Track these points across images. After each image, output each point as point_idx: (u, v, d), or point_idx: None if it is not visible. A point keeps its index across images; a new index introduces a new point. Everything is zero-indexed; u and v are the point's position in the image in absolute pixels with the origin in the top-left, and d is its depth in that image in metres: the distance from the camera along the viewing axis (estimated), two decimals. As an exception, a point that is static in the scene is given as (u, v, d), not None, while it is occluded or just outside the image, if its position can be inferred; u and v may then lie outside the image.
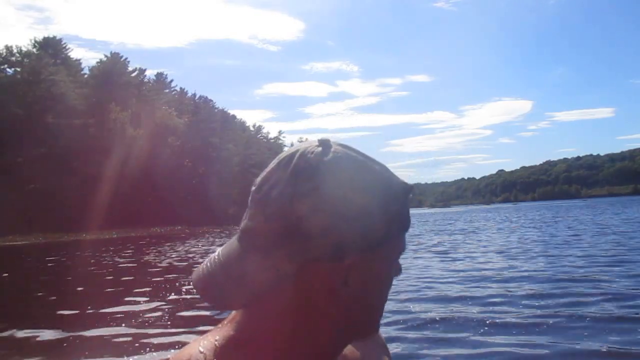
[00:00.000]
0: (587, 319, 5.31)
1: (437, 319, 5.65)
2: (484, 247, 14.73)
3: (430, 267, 10.42)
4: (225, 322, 0.69)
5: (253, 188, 0.65)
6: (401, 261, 0.66)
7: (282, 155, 0.65)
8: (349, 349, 0.74)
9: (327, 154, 0.63)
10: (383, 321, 0.76)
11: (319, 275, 0.61)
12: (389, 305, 6.21)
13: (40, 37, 64.85)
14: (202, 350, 0.65)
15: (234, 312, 0.69)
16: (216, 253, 0.67)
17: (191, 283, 0.66)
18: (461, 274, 9.14)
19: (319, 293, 0.62)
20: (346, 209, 0.60)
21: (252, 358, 0.64)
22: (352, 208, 0.60)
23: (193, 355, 0.64)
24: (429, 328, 5.32)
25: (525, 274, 8.61)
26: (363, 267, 0.62)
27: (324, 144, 0.64)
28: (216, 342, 0.66)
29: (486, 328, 5.17)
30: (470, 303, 6.40)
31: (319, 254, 0.60)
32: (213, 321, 6.46)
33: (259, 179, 0.65)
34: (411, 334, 5.08)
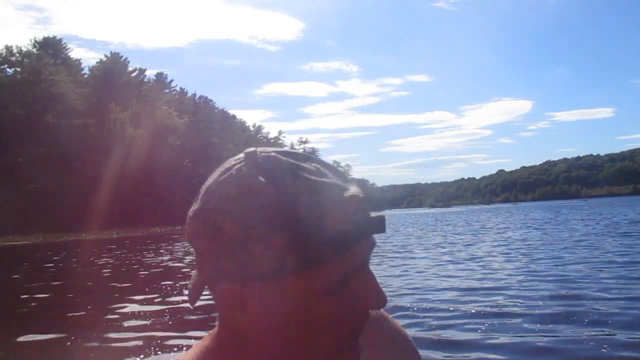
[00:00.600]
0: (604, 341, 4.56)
1: (426, 337, 5.09)
2: (484, 249, 14.48)
3: (425, 272, 9.95)
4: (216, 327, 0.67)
5: None
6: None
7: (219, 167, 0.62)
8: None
9: (231, 170, 0.58)
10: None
11: (221, 296, 0.57)
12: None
13: (40, 37, 65.01)
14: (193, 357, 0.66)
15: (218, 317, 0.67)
16: None
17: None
18: (458, 280, 8.66)
19: (229, 315, 0.59)
20: (227, 235, 0.54)
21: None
22: (232, 235, 0.54)
23: None
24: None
25: (529, 282, 7.92)
26: (259, 297, 0.55)
27: (248, 157, 0.59)
28: (203, 347, 0.66)
29: (480, 351, 4.60)
30: (464, 318, 5.80)
31: (206, 278, 0.58)
32: (213, 320, 6.44)
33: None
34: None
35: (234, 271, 0.55)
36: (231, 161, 0.60)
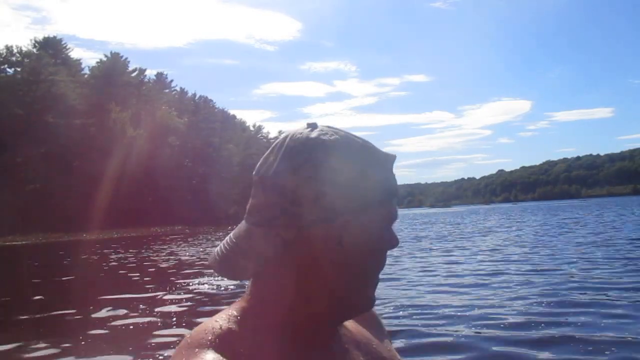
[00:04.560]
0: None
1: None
2: (484, 255, 13.36)
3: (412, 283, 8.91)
4: (241, 297, 0.78)
5: (253, 173, 0.75)
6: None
7: (275, 142, 0.75)
8: (353, 327, 0.84)
9: (314, 132, 0.73)
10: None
11: (317, 237, 0.69)
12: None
13: (39, 37, 64.87)
14: (217, 320, 0.74)
15: (247, 288, 0.78)
16: (228, 236, 0.77)
17: (208, 263, 0.77)
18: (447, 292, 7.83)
19: (317, 255, 0.70)
20: (335, 176, 0.69)
21: (261, 322, 0.73)
22: (340, 175, 0.69)
23: (209, 327, 0.73)
24: None
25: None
26: (354, 228, 0.70)
27: (312, 125, 0.75)
28: (230, 313, 0.76)
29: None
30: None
31: (313, 218, 0.69)
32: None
33: (257, 165, 0.75)
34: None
35: (343, 207, 0.70)
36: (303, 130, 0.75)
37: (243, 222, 0.76)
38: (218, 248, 0.77)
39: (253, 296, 0.76)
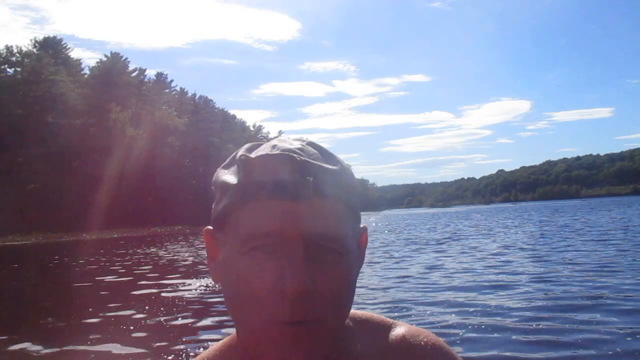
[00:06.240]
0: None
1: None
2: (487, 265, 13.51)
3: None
4: None
5: None
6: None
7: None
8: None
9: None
10: None
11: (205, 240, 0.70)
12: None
13: (38, 37, 64.99)
14: (205, 356, 0.71)
15: None
16: None
17: None
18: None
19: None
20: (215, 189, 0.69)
21: (241, 353, 0.66)
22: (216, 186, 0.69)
23: None
24: None
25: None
26: (221, 242, 0.66)
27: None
28: (216, 346, 0.71)
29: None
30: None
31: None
32: (215, 325, 6.44)
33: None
34: None
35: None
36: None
37: None
38: None
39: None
